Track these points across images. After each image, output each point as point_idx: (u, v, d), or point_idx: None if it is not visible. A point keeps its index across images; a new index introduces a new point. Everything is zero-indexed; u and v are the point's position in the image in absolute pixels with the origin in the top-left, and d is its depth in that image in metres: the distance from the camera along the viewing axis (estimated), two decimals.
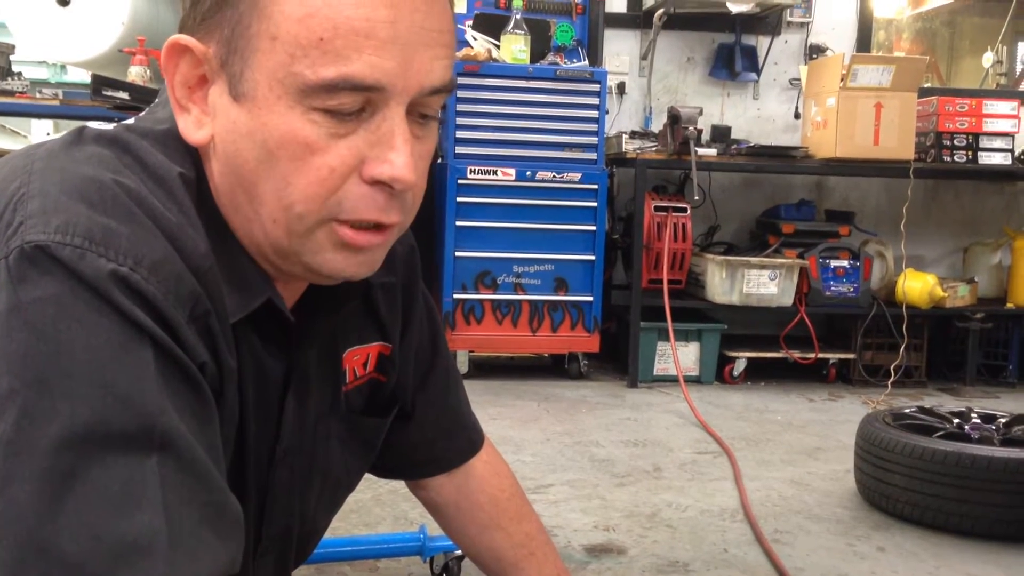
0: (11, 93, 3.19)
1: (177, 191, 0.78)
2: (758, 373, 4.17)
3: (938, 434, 2.37)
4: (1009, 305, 4.30)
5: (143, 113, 0.87)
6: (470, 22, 4.14)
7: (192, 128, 0.80)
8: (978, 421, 2.47)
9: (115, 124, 0.83)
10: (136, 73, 3.55)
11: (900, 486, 2.30)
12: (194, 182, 0.80)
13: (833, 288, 4.09)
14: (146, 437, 0.66)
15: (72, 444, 0.64)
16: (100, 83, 2.94)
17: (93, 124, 0.83)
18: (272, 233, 0.80)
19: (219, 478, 0.72)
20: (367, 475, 1.21)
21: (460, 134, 3.82)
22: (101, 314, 0.67)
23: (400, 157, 0.77)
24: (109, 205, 0.71)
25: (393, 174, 0.77)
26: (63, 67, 5.24)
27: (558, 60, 4.06)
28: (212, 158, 0.81)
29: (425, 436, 1.19)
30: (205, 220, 0.79)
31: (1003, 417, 2.52)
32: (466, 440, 1.25)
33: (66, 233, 0.68)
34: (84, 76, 4.14)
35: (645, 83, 4.64)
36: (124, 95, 3.00)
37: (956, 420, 2.49)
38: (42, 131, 5.18)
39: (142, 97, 3.16)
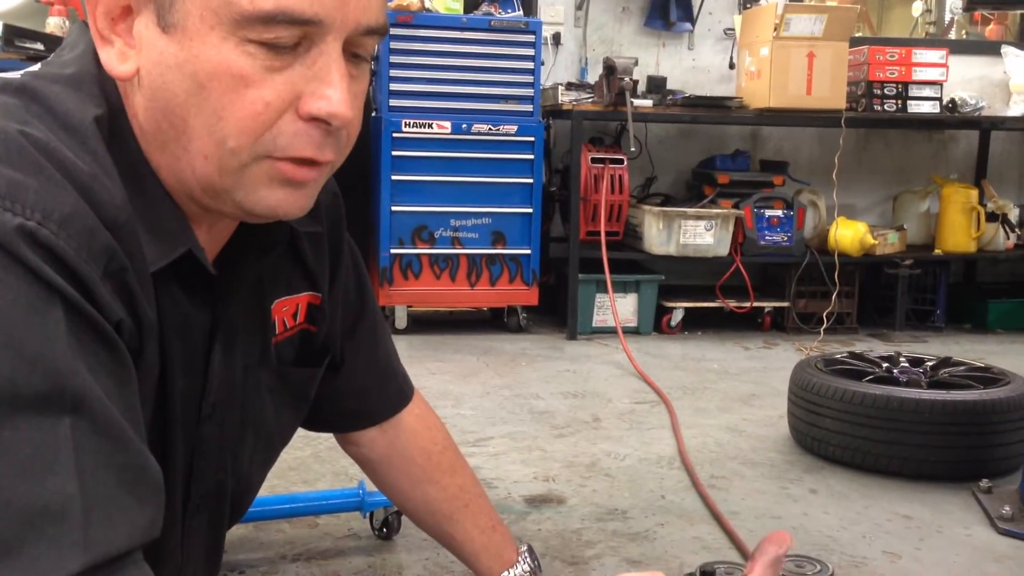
0: None
1: (90, 139, 0.74)
2: (695, 323, 4.22)
3: (868, 378, 2.42)
4: (937, 251, 4.40)
5: (50, 58, 0.83)
6: None
7: (115, 61, 0.77)
8: (906, 365, 2.53)
9: (21, 72, 0.79)
10: (54, 24, 3.42)
11: (831, 429, 2.35)
12: (107, 122, 0.77)
13: (767, 238, 4.14)
14: (57, 399, 0.64)
15: None
16: (12, 33, 2.82)
17: None
18: (202, 170, 0.77)
19: (137, 440, 0.70)
20: (306, 432, 1.20)
21: (394, 86, 3.76)
22: (7, 271, 0.64)
23: (337, 93, 0.75)
24: (15, 157, 0.68)
25: (331, 110, 0.75)
26: None
27: (492, 10, 4.01)
28: (136, 93, 0.78)
29: (355, 386, 1.18)
30: (123, 164, 0.76)
31: (930, 361, 2.58)
32: (396, 390, 1.24)
33: None
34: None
35: (580, 34, 4.61)
36: (39, 46, 2.88)
37: (885, 364, 2.55)
38: None
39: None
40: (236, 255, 0.91)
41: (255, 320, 0.97)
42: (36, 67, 0.81)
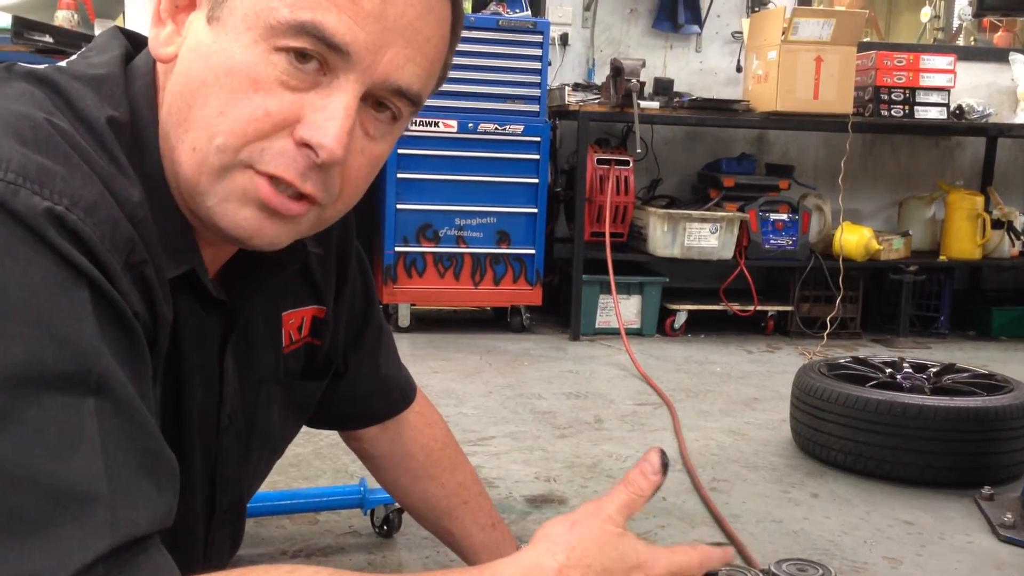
0: None
1: (106, 138, 0.74)
2: (698, 325, 4.22)
3: (871, 383, 2.42)
4: (942, 258, 4.40)
5: (75, 56, 0.83)
6: None
7: (161, 42, 0.79)
8: (910, 371, 2.53)
9: (46, 65, 0.80)
10: (63, 17, 3.43)
11: (834, 434, 2.35)
12: (128, 127, 0.77)
13: (772, 241, 4.14)
14: (83, 380, 0.64)
15: (6, 385, 0.61)
16: (22, 25, 2.82)
17: (22, 63, 0.79)
18: (189, 162, 0.76)
19: (155, 426, 0.70)
20: (307, 428, 1.20)
21: None
22: (36, 252, 0.64)
23: (334, 125, 0.74)
24: (43, 144, 0.68)
25: (321, 140, 0.74)
26: None
27: (500, 10, 4.01)
28: (167, 79, 0.79)
29: (358, 391, 1.18)
30: (140, 168, 0.76)
31: (934, 367, 2.58)
32: (399, 394, 1.24)
33: None
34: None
35: (588, 34, 4.60)
36: (48, 38, 2.89)
37: (889, 370, 2.54)
38: None
39: (67, 41, 3.05)
40: (252, 266, 0.91)
41: (267, 333, 0.98)
42: (63, 63, 0.82)
